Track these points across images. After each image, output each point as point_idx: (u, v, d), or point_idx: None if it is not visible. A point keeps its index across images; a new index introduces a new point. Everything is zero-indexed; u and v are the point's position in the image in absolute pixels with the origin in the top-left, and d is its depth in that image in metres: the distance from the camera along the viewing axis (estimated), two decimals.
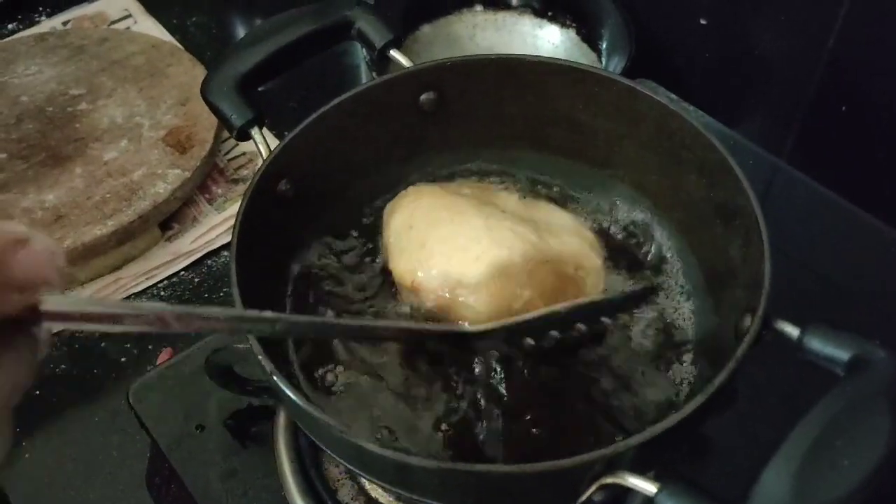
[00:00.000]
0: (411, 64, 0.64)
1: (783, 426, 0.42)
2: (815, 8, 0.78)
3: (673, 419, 0.44)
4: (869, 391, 0.43)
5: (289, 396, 0.46)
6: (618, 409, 0.54)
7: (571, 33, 0.94)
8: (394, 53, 0.65)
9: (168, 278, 0.80)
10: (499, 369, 0.55)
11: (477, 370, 0.55)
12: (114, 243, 0.78)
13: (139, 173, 0.83)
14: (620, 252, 0.62)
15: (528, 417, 0.53)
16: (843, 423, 0.42)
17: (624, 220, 0.64)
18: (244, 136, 0.61)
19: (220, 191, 0.86)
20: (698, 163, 0.58)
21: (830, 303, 0.72)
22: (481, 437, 0.53)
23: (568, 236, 0.60)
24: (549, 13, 0.96)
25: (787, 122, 0.87)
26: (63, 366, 0.74)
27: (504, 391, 0.54)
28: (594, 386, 0.55)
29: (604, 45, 0.90)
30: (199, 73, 0.91)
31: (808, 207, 0.82)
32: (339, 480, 0.62)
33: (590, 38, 0.92)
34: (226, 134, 0.87)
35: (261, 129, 0.61)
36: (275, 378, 0.47)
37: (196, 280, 0.80)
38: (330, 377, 0.56)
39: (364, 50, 0.68)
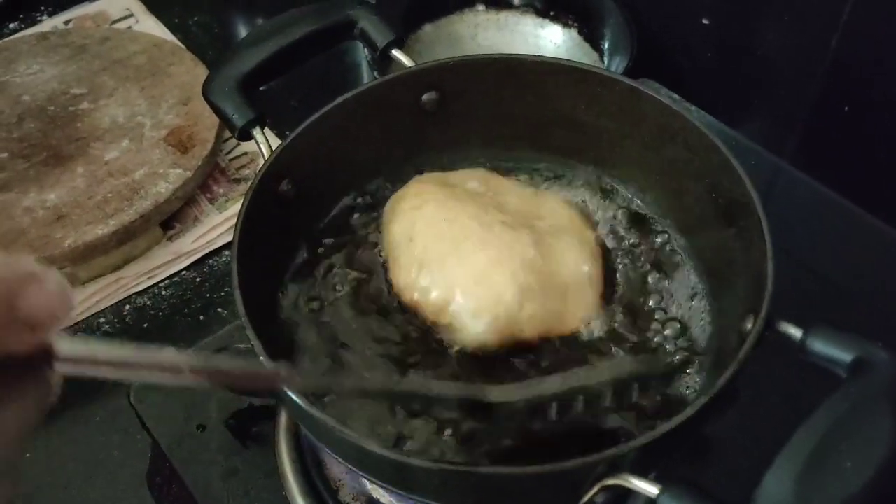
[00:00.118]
0: (413, 64, 0.64)
1: (785, 428, 0.42)
2: (818, 8, 0.78)
3: (675, 421, 0.44)
4: (871, 393, 0.43)
5: (290, 396, 0.46)
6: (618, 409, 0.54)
7: (573, 33, 0.94)
8: (395, 53, 0.65)
9: (169, 278, 0.80)
10: None
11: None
12: (115, 243, 0.78)
13: (141, 173, 0.82)
14: (622, 254, 0.62)
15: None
16: (845, 425, 0.42)
17: (625, 221, 0.64)
18: (246, 136, 0.61)
19: (221, 190, 0.86)
20: (700, 163, 0.58)
21: (832, 303, 0.72)
22: (482, 437, 0.53)
23: (569, 239, 0.60)
24: (551, 13, 0.95)
25: (789, 122, 0.87)
26: None
27: None
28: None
29: (606, 45, 0.90)
30: (201, 72, 0.91)
31: (810, 208, 0.81)
32: (340, 480, 0.62)
33: (592, 37, 0.92)
34: (227, 133, 0.87)
35: (262, 128, 0.61)
36: None
37: (197, 279, 0.80)
38: None
39: (366, 50, 0.68)
